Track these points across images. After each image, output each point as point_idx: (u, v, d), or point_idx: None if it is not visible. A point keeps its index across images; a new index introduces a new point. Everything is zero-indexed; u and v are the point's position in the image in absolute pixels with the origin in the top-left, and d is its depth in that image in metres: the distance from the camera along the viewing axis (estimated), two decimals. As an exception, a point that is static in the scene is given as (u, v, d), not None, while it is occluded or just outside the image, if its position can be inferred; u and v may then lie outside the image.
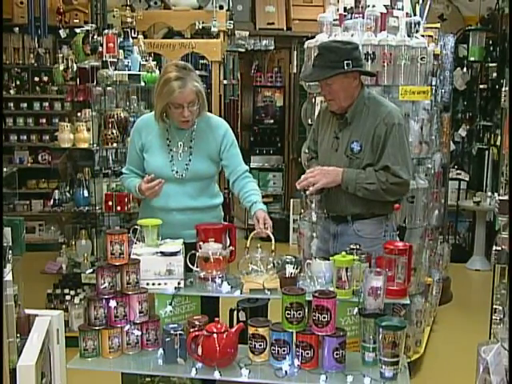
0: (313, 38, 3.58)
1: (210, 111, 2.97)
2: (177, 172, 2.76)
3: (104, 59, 3.99)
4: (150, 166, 2.79)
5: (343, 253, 2.33)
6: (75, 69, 4.15)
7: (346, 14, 3.50)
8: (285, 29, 7.13)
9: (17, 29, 6.48)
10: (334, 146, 2.81)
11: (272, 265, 2.41)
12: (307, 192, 2.72)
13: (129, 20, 4.52)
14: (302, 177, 2.75)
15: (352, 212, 2.77)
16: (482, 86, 6.72)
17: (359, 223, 2.77)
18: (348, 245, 2.50)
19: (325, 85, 2.73)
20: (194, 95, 2.67)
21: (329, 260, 2.40)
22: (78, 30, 4.37)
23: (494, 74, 6.41)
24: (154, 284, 2.35)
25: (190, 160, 2.77)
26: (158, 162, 2.78)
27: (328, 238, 2.87)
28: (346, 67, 2.64)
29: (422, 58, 3.44)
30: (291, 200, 7.02)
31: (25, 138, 6.81)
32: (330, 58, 2.66)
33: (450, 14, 7.03)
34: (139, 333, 2.28)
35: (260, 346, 2.19)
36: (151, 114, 2.86)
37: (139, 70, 4.23)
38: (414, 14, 3.69)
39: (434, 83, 3.99)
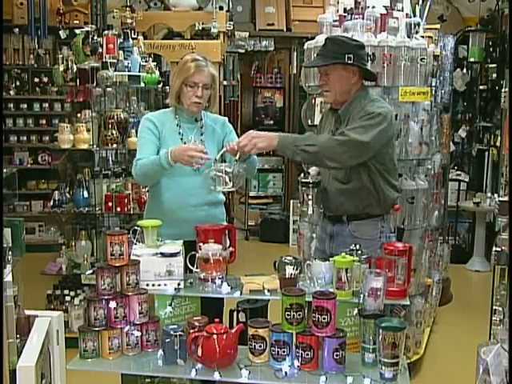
0: (313, 38, 3.58)
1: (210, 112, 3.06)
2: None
3: (104, 60, 4.00)
4: None
5: (343, 254, 2.32)
6: (75, 70, 4.15)
7: (345, 14, 3.49)
8: (285, 30, 7.13)
9: (17, 29, 6.48)
10: None
11: (237, 165, 2.55)
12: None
13: (129, 21, 4.54)
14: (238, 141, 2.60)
15: (347, 210, 2.76)
16: (481, 87, 6.72)
17: (355, 224, 2.77)
18: (343, 245, 2.49)
19: (324, 74, 2.75)
20: (210, 79, 2.85)
21: (328, 261, 2.40)
22: (77, 31, 4.38)
23: (494, 75, 6.40)
24: (153, 285, 2.35)
25: None
26: None
27: (325, 237, 2.88)
28: (346, 60, 2.65)
29: (421, 59, 3.44)
30: (291, 201, 7.00)
31: (25, 138, 6.80)
32: (333, 49, 2.69)
33: (449, 15, 7.03)
34: (139, 334, 2.28)
35: (260, 346, 2.19)
36: (159, 111, 3.04)
37: (139, 71, 4.23)
38: (414, 15, 3.68)
39: (433, 84, 4.00)
